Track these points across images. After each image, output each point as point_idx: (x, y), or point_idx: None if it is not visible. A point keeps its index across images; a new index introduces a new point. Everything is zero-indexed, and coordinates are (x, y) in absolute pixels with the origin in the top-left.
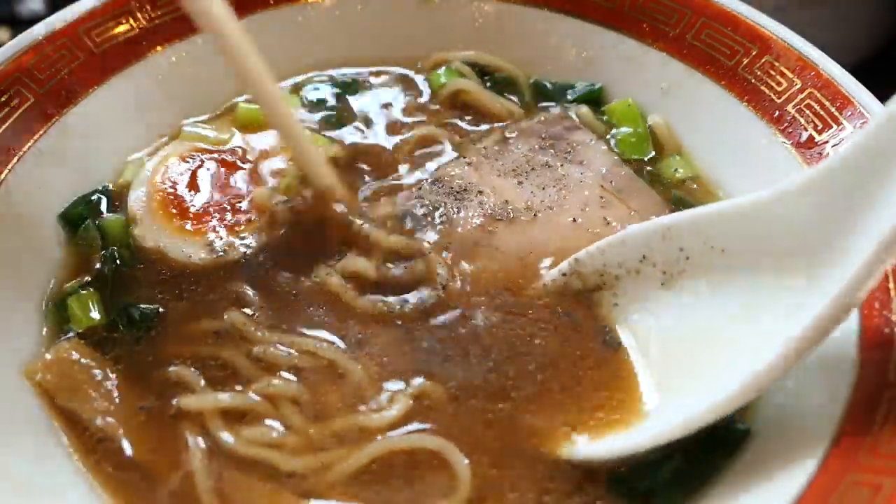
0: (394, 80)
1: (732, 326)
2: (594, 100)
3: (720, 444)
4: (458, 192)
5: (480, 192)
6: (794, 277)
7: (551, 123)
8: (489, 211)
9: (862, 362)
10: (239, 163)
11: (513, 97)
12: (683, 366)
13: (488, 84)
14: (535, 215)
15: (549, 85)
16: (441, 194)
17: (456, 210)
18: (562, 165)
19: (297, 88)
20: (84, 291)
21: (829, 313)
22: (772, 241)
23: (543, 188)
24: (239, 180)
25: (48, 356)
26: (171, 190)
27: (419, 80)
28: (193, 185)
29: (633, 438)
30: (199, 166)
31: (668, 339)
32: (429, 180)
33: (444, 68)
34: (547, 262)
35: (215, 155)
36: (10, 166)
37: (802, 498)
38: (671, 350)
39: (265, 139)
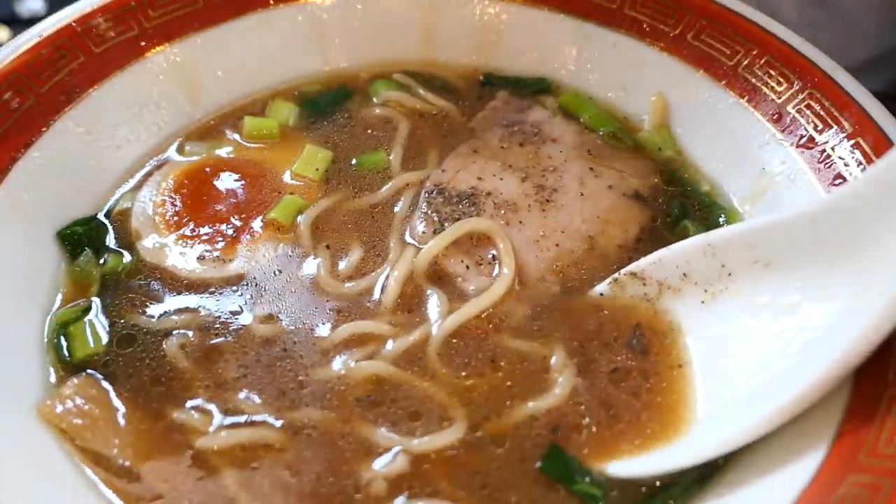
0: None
1: (776, 341)
2: (545, 92)
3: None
4: (468, 197)
5: (489, 194)
6: (841, 291)
7: (504, 110)
8: (505, 207)
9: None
10: (244, 176)
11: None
12: (726, 382)
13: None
14: (546, 201)
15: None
16: (452, 203)
17: (475, 214)
18: (539, 149)
19: (291, 93)
20: (84, 317)
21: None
22: (818, 254)
23: (543, 174)
24: (244, 193)
25: (60, 396)
26: (176, 204)
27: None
28: (198, 200)
29: (672, 456)
30: (205, 180)
31: (710, 356)
32: (431, 192)
33: (382, 80)
34: (579, 244)
35: (221, 169)
36: (9, 166)
37: (802, 498)
38: (712, 367)
39: (273, 150)
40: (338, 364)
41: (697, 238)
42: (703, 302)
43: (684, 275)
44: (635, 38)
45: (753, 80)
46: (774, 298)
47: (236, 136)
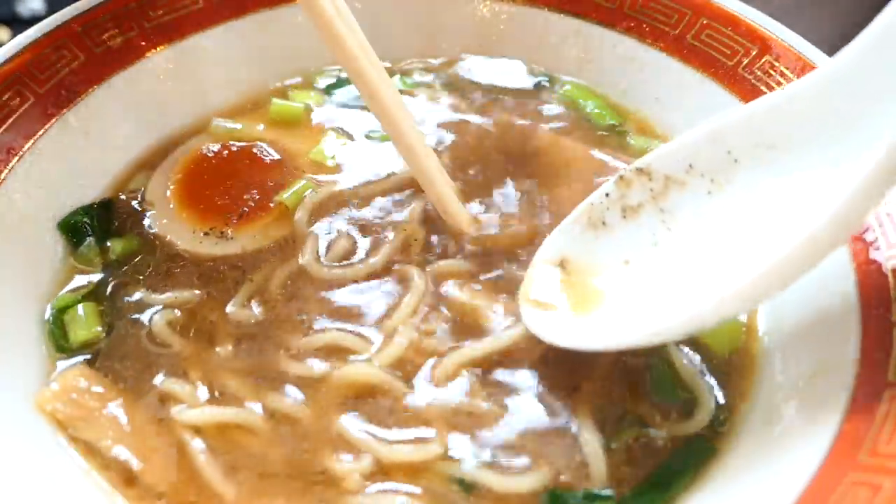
0: None
1: (776, 220)
2: (545, 92)
3: (694, 454)
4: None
5: None
6: (844, 160)
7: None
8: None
9: (862, 362)
10: (264, 158)
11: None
12: (711, 267)
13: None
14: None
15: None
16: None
17: None
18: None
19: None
20: (81, 302)
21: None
22: (823, 126)
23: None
24: (257, 176)
25: (56, 385)
26: (192, 180)
27: None
28: (214, 178)
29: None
30: (224, 159)
31: (703, 244)
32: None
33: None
34: None
35: (241, 149)
36: (9, 166)
37: (802, 498)
38: (703, 255)
39: (294, 135)
40: (322, 359)
41: (702, 126)
42: (709, 193)
43: (690, 166)
44: (635, 38)
45: (753, 81)
46: (776, 181)
47: (263, 123)
